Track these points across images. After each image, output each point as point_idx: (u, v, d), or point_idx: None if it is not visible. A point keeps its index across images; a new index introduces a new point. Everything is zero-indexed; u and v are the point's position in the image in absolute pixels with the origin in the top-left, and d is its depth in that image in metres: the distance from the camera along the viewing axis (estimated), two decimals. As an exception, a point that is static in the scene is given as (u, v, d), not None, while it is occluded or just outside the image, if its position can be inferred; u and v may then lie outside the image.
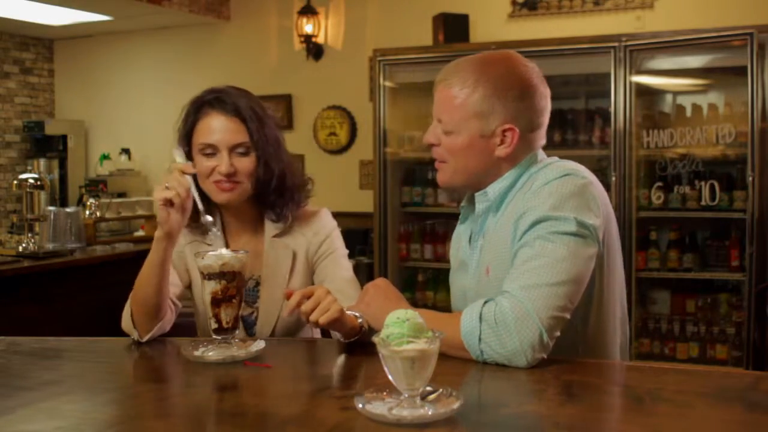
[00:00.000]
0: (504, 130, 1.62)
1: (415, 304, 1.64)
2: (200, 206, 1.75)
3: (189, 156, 1.86)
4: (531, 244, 1.52)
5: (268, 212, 1.96)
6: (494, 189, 1.66)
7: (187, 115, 1.90)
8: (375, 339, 1.22)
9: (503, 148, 1.63)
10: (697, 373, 1.62)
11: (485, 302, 1.50)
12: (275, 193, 1.91)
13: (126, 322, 1.78)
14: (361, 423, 1.18)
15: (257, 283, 1.96)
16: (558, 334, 1.49)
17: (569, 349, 1.60)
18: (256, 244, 1.96)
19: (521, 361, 1.45)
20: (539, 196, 1.55)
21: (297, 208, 1.97)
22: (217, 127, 1.85)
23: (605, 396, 1.31)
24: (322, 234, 1.98)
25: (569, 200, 1.53)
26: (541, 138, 1.69)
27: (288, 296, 1.58)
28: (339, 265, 1.96)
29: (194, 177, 1.76)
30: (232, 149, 1.85)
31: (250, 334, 1.94)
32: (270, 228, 1.97)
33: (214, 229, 1.81)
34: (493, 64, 1.63)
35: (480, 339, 1.47)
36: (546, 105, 1.67)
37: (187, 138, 1.89)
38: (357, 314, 1.64)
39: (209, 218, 1.77)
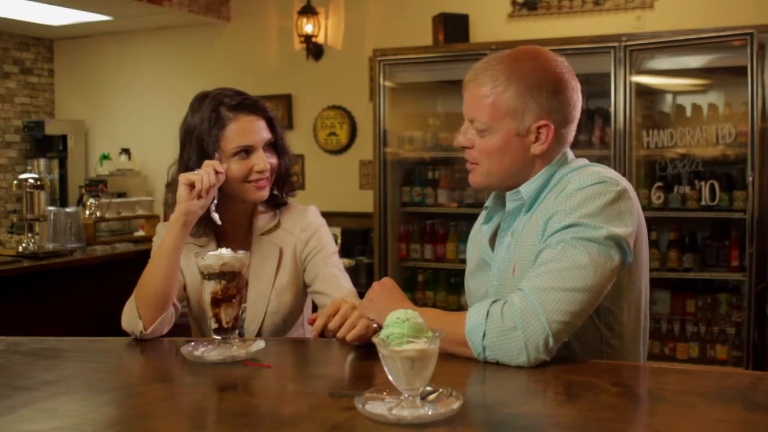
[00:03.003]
0: (539, 127, 1.60)
1: (415, 303, 1.63)
2: (215, 201, 1.83)
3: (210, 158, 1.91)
4: (554, 246, 1.50)
5: (262, 206, 2.02)
6: (527, 189, 1.64)
7: (209, 117, 1.90)
8: (375, 339, 1.22)
9: (538, 145, 1.62)
10: (697, 373, 1.62)
11: (494, 301, 1.50)
12: (282, 182, 2.03)
13: (127, 319, 1.78)
14: (361, 423, 1.18)
15: (246, 283, 1.96)
16: (565, 339, 1.48)
17: (594, 354, 1.60)
18: (244, 244, 1.99)
19: (523, 361, 1.44)
20: (572, 200, 1.53)
21: (290, 192, 2.07)
22: (252, 128, 1.92)
23: (605, 396, 1.31)
24: (309, 231, 2.01)
25: (602, 209, 1.51)
26: (573, 132, 1.68)
27: (311, 321, 1.65)
28: (329, 263, 1.99)
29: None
30: (264, 147, 1.94)
31: (240, 333, 1.95)
32: (257, 227, 2.00)
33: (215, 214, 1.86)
34: (522, 61, 1.61)
35: (484, 335, 1.46)
36: (578, 98, 1.65)
37: (213, 144, 1.89)
38: (371, 318, 1.64)
39: (217, 216, 1.84)
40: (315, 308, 2.02)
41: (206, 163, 1.81)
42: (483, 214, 1.81)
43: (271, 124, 1.96)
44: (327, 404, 1.31)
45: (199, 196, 1.77)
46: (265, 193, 1.95)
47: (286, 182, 2.04)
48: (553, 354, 1.46)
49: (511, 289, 1.56)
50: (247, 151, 1.90)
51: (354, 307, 1.63)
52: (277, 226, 2.01)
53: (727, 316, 4.13)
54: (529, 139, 1.62)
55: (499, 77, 1.60)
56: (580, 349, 1.58)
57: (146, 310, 1.76)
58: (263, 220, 2.01)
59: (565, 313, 1.45)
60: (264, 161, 1.91)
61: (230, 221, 1.98)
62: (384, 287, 1.68)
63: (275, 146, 1.98)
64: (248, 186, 1.92)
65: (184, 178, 1.77)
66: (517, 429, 1.19)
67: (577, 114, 1.66)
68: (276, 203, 2.04)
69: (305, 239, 2.00)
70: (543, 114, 1.60)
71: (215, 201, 1.82)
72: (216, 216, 1.83)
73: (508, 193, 1.67)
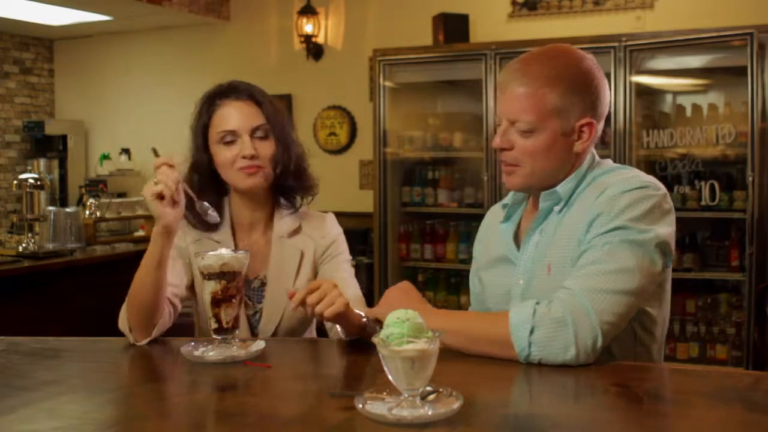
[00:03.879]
0: (581, 125, 1.61)
1: (414, 303, 1.62)
2: (192, 194, 1.75)
3: (206, 150, 1.90)
4: (600, 248, 1.50)
5: (282, 203, 1.99)
6: (564, 188, 1.63)
7: (200, 109, 1.91)
8: (375, 339, 1.22)
9: (581, 143, 1.62)
10: (697, 373, 1.62)
11: (537, 302, 1.48)
12: (294, 177, 1.96)
13: (122, 322, 1.77)
14: (361, 423, 1.18)
15: (263, 283, 1.96)
16: (609, 341, 1.48)
17: (628, 355, 1.60)
18: (264, 244, 1.97)
19: (570, 357, 1.43)
20: (618, 202, 1.53)
21: (309, 195, 2.03)
22: (235, 113, 1.88)
23: (605, 396, 1.31)
24: (329, 237, 2.01)
25: (648, 212, 1.53)
26: (602, 129, 1.69)
27: (291, 296, 1.62)
28: (342, 268, 1.99)
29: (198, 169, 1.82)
30: (252, 133, 1.88)
31: (254, 334, 1.94)
32: (278, 228, 1.98)
33: (212, 213, 1.80)
34: (559, 59, 1.62)
35: (532, 330, 1.44)
36: (609, 95, 1.67)
37: (203, 132, 1.90)
38: (361, 312, 1.64)
39: (206, 203, 1.79)
40: None
41: (155, 164, 1.70)
42: (501, 213, 1.79)
43: (264, 110, 1.90)
44: (327, 404, 1.31)
45: (174, 201, 1.67)
46: (255, 180, 1.88)
47: (299, 176, 1.97)
48: (597, 356, 1.46)
49: (543, 287, 1.56)
50: (232, 136, 1.87)
51: (335, 285, 1.61)
52: (299, 230, 1.99)
53: (727, 316, 4.13)
54: (573, 137, 1.62)
55: (540, 77, 1.59)
56: (618, 350, 1.58)
57: (137, 322, 1.72)
58: (286, 223, 1.98)
59: (614, 315, 1.46)
60: (249, 146, 1.86)
61: (245, 217, 1.97)
62: (402, 290, 1.67)
63: (274, 134, 1.91)
64: (238, 173, 1.88)
65: (147, 192, 1.66)
66: (517, 429, 1.19)
67: (607, 110, 1.67)
68: (295, 205, 2.00)
69: (325, 245, 2.00)
70: (586, 112, 1.60)
71: (189, 192, 1.74)
72: (204, 204, 1.78)
73: (543, 192, 1.66)
